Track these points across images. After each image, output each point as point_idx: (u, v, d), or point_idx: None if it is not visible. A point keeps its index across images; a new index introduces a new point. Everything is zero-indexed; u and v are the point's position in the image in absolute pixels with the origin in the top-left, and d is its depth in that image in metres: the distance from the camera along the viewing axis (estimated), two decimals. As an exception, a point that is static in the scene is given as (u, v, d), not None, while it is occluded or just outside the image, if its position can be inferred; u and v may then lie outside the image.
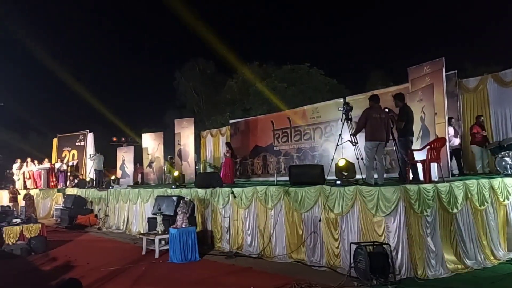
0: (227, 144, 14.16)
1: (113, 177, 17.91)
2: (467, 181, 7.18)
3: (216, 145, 18.39)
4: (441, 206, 6.64)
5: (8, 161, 24.18)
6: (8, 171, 22.80)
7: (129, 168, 18.21)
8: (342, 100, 11.54)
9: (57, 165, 19.73)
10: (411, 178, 7.50)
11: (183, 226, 8.63)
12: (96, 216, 14.53)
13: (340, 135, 8.29)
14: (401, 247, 6.28)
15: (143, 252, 9.37)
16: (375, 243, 6.28)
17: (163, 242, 9.18)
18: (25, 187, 19.37)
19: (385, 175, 9.60)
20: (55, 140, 22.40)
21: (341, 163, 8.13)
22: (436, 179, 7.34)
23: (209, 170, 17.52)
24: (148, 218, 11.03)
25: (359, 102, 10.43)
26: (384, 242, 6.33)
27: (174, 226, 8.70)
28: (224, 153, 14.05)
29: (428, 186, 6.57)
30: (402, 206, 6.32)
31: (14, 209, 13.75)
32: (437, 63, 8.73)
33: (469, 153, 10.51)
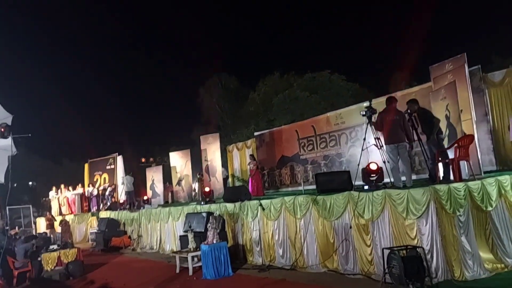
0: (251, 156, 14.31)
1: (145, 197, 18.24)
2: (499, 177, 6.95)
3: (243, 158, 18.45)
4: (473, 204, 6.45)
5: (44, 188, 25.08)
6: (44, 198, 23.61)
7: (159, 187, 18.50)
8: (365, 104, 11.51)
9: (90, 190, 20.28)
10: (441, 178, 7.33)
11: (214, 241, 8.69)
12: (129, 237, 14.79)
13: (364, 139, 8.20)
14: (436, 249, 6.13)
15: (177, 270, 9.46)
16: (408, 247, 6.14)
17: (195, 259, 9.25)
18: (60, 213, 19.94)
19: (415, 177, 9.47)
20: (86, 165, 23.04)
21: (373, 167, 7.92)
22: (466, 177, 7.14)
23: (237, 183, 17.59)
24: (180, 236, 11.15)
25: (382, 105, 10.28)
26: (418, 245, 6.18)
27: (206, 242, 8.77)
28: (250, 166, 14.15)
29: (459, 185, 6.40)
30: (433, 207, 6.19)
31: (51, 235, 14.18)
32: (459, 59, 8.56)
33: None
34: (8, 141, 4.20)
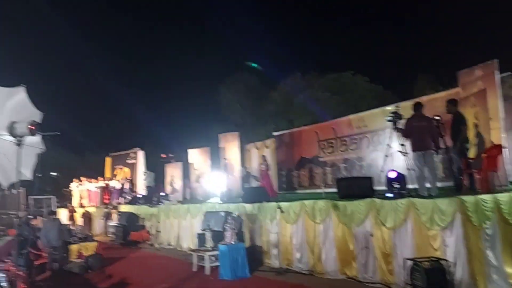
0: (263, 157, 14.37)
1: (164, 193, 18.35)
2: (529, 190, 6.73)
3: (261, 158, 18.41)
4: (501, 217, 6.24)
5: (66, 180, 25.52)
6: (65, 189, 24.03)
7: (178, 184, 18.62)
8: (389, 107, 11.33)
9: (111, 183, 20.55)
10: (467, 188, 7.15)
11: (232, 242, 8.68)
12: (148, 232, 14.93)
13: (388, 145, 8.06)
14: (460, 262, 5.98)
15: (194, 269, 9.49)
16: (432, 258, 6.01)
17: (213, 258, 9.25)
18: (81, 205, 20.25)
19: (438, 184, 9.26)
20: (108, 159, 23.37)
21: (392, 174, 7.81)
22: (494, 189, 6.94)
23: (254, 183, 17.55)
24: (198, 234, 11.18)
25: (407, 109, 10.09)
26: (441, 257, 6.04)
27: (223, 242, 8.77)
28: (262, 167, 14.21)
29: (486, 197, 6.21)
30: (459, 218, 6.03)
31: (73, 227, 14.41)
32: (489, 65, 8.32)
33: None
34: (38, 139, 4.28)
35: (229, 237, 8.75)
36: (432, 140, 7.31)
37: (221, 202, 11.66)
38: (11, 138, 4.28)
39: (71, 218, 17.85)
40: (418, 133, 7.29)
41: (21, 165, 4.03)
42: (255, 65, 28.94)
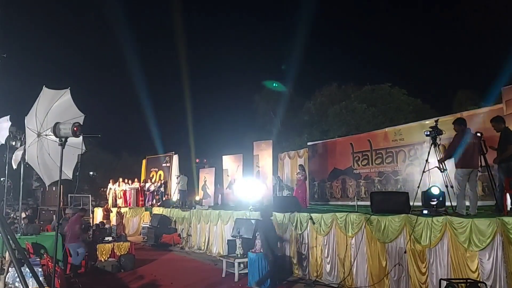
0: (301, 166, 14.22)
1: (197, 198, 18.59)
2: None
3: (294, 167, 18.31)
4: (546, 242, 5.93)
5: (102, 179, 26.30)
6: (102, 189, 24.76)
7: (210, 189, 18.80)
8: (428, 121, 11.04)
9: (147, 185, 21.00)
10: (509, 209, 6.83)
11: (262, 250, 8.65)
12: (179, 235, 15.13)
13: (426, 160, 7.83)
14: (499, 286, 5.70)
15: (223, 274, 9.54)
16: (469, 280, 5.78)
17: (242, 265, 9.27)
18: (115, 205, 20.80)
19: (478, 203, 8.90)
20: (144, 161, 23.92)
21: (430, 191, 7.55)
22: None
23: (285, 192, 17.46)
24: (228, 240, 11.23)
25: (446, 124, 9.81)
26: (479, 279, 5.79)
27: (253, 250, 8.76)
28: (298, 176, 14.09)
29: (530, 219, 5.92)
30: (500, 240, 5.77)
31: (107, 226, 14.79)
32: (537, 82, 7.97)
33: None
34: (79, 140, 4.46)
35: (260, 245, 8.74)
36: (479, 158, 7.06)
37: (252, 209, 11.66)
38: (54, 139, 4.46)
39: (107, 217, 18.31)
40: (469, 151, 7.02)
41: (64, 165, 4.19)
42: (276, 84, 29.51)
